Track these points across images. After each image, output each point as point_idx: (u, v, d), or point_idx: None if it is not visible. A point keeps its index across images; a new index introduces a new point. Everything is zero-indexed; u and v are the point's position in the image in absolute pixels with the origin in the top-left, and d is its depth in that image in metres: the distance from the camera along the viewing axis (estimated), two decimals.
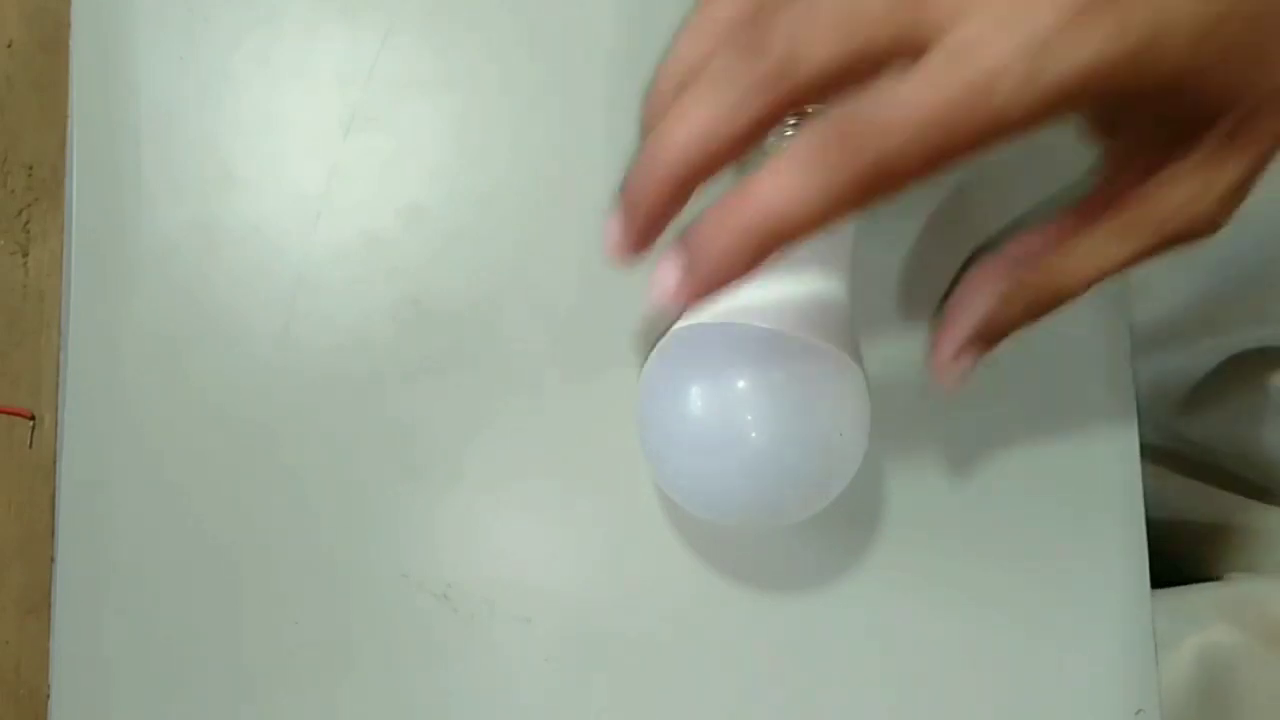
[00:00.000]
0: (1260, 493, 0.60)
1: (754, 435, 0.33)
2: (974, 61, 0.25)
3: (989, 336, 0.33)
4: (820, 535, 0.39)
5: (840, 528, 0.39)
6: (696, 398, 0.33)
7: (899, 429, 0.40)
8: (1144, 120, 0.30)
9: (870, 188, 0.26)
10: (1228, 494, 0.61)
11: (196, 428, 0.39)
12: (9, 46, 0.38)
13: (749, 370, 0.33)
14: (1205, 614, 0.54)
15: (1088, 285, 0.31)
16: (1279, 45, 0.27)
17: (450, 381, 0.39)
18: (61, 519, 0.38)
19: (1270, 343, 0.58)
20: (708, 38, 0.30)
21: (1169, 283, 0.56)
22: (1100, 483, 0.40)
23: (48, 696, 0.37)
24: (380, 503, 0.39)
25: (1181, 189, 0.29)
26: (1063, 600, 0.39)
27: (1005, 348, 0.33)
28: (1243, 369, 0.59)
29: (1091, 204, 0.31)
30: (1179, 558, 0.63)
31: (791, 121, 0.34)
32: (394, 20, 0.40)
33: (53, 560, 0.38)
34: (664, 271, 0.28)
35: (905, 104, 0.25)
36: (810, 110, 0.32)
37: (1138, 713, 0.39)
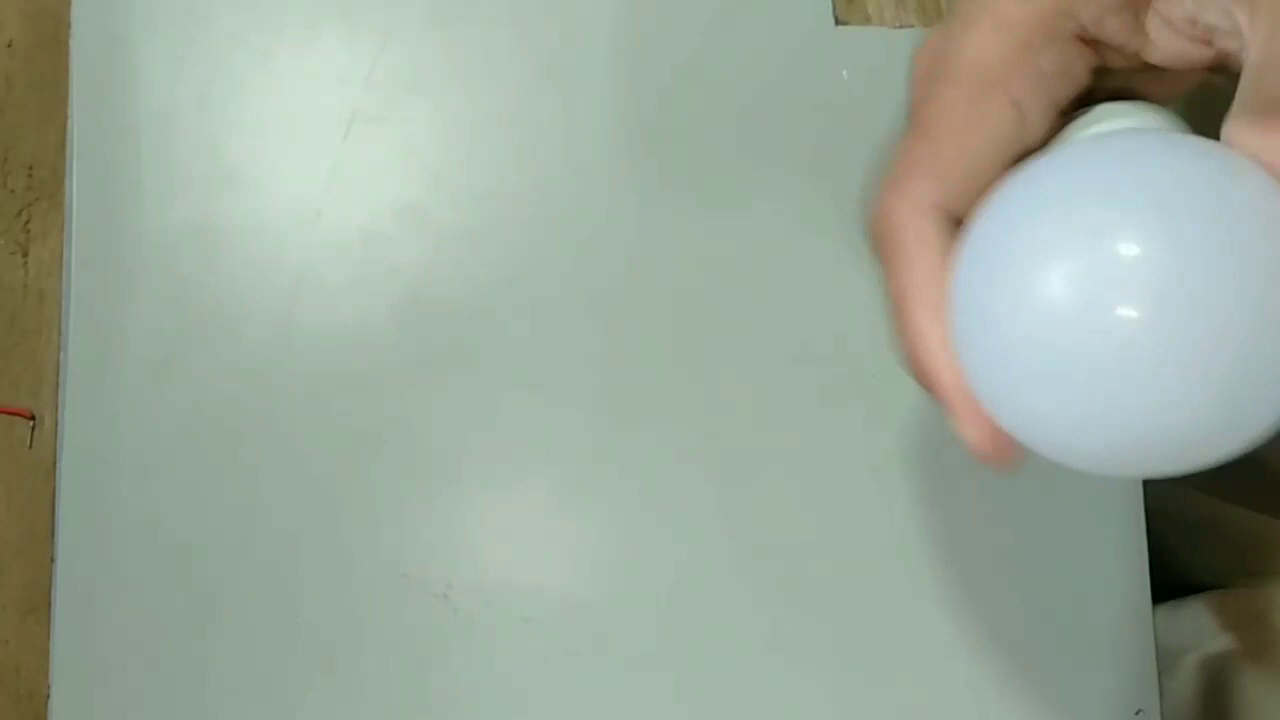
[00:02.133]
0: (1257, 499, 0.60)
1: (1128, 313, 0.20)
2: None
3: None
4: (821, 536, 0.39)
5: (841, 529, 0.39)
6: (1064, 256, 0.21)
7: (898, 434, 0.40)
8: None
9: None
10: (1222, 500, 0.60)
11: (196, 427, 0.38)
12: (9, 46, 0.38)
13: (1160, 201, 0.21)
14: (1207, 627, 0.54)
15: None
16: None
17: (450, 381, 0.39)
18: (61, 519, 0.38)
19: None
20: None
21: None
22: (1102, 481, 0.40)
23: (47, 697, 0.37)
24: (380, 502, 0.39)
25: None
26: (1063, 600, 0.39)
27: None
28: None
29: None
30: (1174, 565, 0.63)
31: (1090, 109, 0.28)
32: (394, 20, 0.40)
33: (53, 560, 0.38)
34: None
35: None
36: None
37: (1138, 713, 0.39)
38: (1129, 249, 0.20)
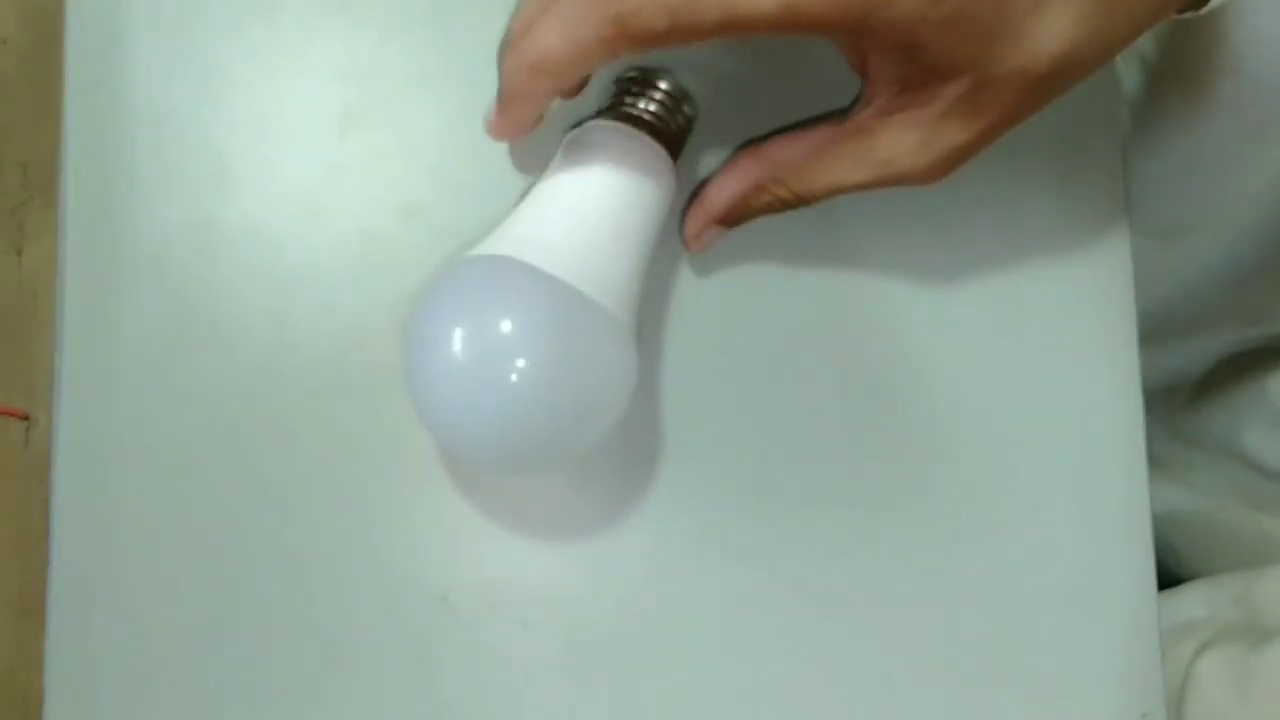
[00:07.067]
0: (1257, 497, 0.60)
1: (513, 379, 0.32)
2: None
3: (732, 220, 0.36)
4: (825, 540, 0.39)
5: (848, 532, 0.39)
6: (459, 337, 0.33)
7: (904, 431, 0.40)
8: (890, 66, 0.31)
9: (613, 44, 0.30)
10: (1224, 499, 0.61)
11: (192, 428, 0.38)
12: (3, 43, 0.38)
13: (515, 313, 0.33)
14: (1202, 615, 0.54)
15: (824, 198, 0.34)
16: (1014, 29, 0.29)
17: None
18: (56, 520, 0.38)
19: (1267, 344, 0.58)
20: None
21: (1163, 281, 0.56)
22: (1106, 481, 0.40)
23: (42, 700, 0.37)
24: (379, 504, 0.38)
25: (907, 138, 0.31)
26: (1068, 602, 0.39)
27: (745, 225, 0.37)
28: (1239, 370, 0.59)
29: (845, 127, 0.33)
30: (1173, 565, 0.63)
31: None
32: (392, 17, 0.40)
33: (48, 562, 0.38)
34: (491, 116, 0.35)
35: None
36: None
37: (1143, 716, 0.39)
38: (488, 341, 0.33)
